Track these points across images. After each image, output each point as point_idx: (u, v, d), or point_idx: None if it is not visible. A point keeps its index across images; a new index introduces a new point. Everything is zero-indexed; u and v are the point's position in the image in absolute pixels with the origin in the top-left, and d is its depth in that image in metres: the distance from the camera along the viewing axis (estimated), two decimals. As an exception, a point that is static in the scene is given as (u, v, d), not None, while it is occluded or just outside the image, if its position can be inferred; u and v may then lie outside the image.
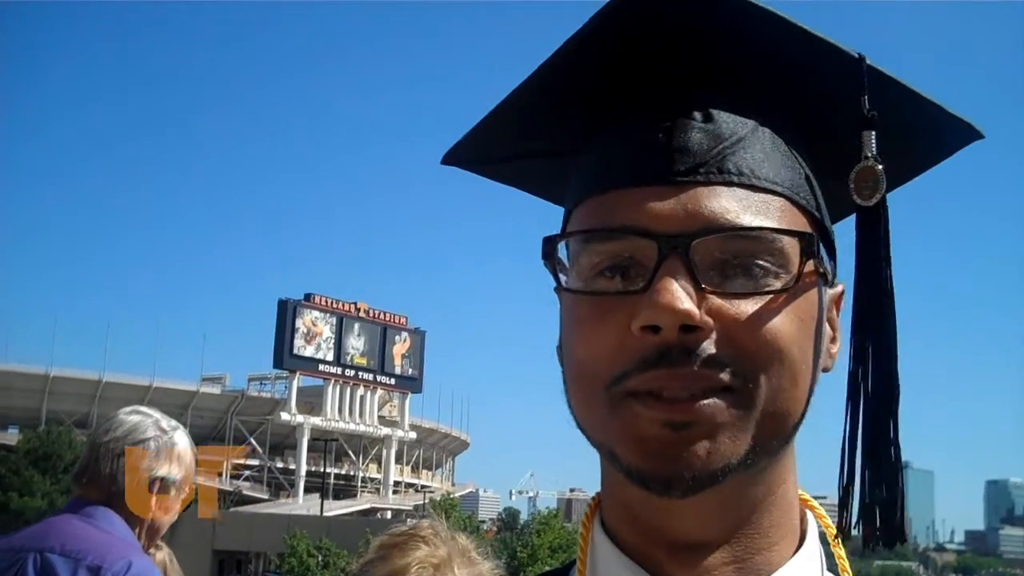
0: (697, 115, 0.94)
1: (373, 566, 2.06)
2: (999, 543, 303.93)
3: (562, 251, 0.97)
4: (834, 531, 1.01)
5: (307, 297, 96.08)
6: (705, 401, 0.87)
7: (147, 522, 3.19)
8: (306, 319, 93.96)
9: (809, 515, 1.02)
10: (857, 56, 0.95)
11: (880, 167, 0.93)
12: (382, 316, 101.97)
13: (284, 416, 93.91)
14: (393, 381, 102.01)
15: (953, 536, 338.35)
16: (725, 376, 0.87)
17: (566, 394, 0.97)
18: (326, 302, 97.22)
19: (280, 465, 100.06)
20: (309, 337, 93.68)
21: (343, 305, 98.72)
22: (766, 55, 0.96)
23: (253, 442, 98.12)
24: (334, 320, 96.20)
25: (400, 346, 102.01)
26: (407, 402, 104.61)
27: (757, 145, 0.94)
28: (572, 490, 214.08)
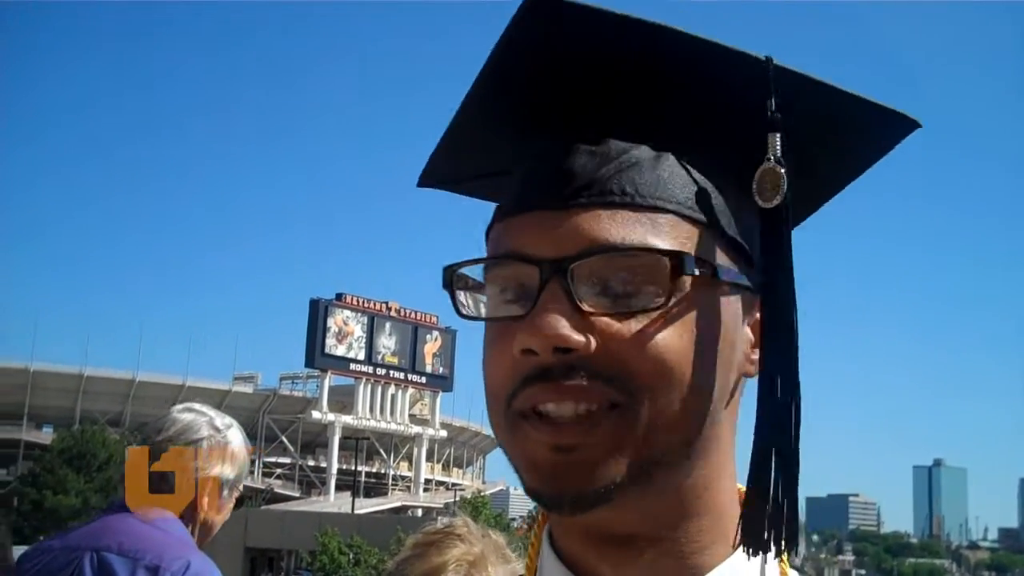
0: (587, 141, 0.95)
1: (410, 564, 2.08)
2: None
3: (481, 277, 0.99)
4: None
5: (338, 297, 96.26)
6: (590, 422, 0.89)
7: (199, 522, 3.16)
8: (337, 318, 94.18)
9: None
10: (764, 59, 0.94)
11: (782, 169, 0.92)
12: (413, 315, 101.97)
13: (316, 415, 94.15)
14: (424, 380, 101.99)
15: (987, 534, 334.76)
16: (609, 393, 0.89)
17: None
18: (357, 301, 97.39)
19: (311, 463, 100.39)
20: (340, 336, 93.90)
21: (374, 304, 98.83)
22: (665, 73, 0.96)
23: (285, 440, 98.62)
24: (365, 319, 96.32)
25: (431, 345, 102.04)
26: (438, 400, 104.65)
27: (648, 165, 0.94)
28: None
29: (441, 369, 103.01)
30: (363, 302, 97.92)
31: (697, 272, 0.92)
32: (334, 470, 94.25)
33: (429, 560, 2.02)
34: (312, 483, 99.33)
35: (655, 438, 0.90)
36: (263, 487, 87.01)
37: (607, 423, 0.89)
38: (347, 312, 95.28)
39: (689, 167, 0.96)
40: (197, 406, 3.30)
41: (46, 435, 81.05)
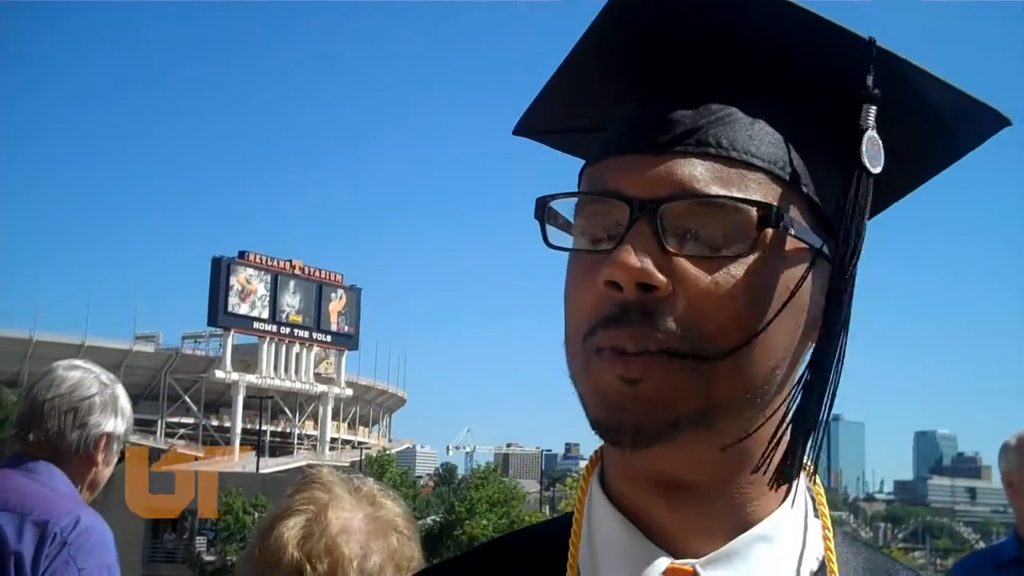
0: (691, 94, 0.99)
1: (268, 512, 2.10)
2: (927, 493, 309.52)
3: (569, 214, 1.02)
4: (821, 489, 1.08)
5: (241, 255, 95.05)
6: (657, 359, 0.92)
7: (88, 478, 3.18)
8: (240, 277, 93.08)
9: None
10: (868, 39, 0.96)
11: (877, 138, 0.96)
12: (317, 273, 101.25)
13: (219, 374, 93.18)
14: (329, 338, 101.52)
15: (883, 486, 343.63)
16: (679, 336, 0.92)
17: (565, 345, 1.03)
18: (261, 259, 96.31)
19: (215, 423, 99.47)
20: (244, 295, 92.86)
21: (278, 263, 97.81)
22: (770, 39, 0.99)
23: (188, 400, 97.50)
24: (269, 278, 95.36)
25: (336, 303, 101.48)
26: (343, 359, 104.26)
27: (745, 122, 0.97)
28: (509, 445, 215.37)
29: (346, 327, 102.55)
30: (266, 260, 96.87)
31: (781, 228, 0.94)
32: (238, 429, 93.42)
33: (281, 503, 2.04)
34: (216, 443, 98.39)
35: (719, 385, 0.93)
36: (166, 447, 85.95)
37: (675, 363, 0.92)
38: (250, 270, 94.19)
39: (782, 131, 0.99)
40: (80, 363, 3.31)
41: (-61, 397, 79.07)
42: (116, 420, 3.21)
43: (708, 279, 0.92)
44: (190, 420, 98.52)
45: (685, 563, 0.99)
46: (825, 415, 0.95)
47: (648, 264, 0.91)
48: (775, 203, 0.95)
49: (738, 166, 0.95)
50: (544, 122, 1.17)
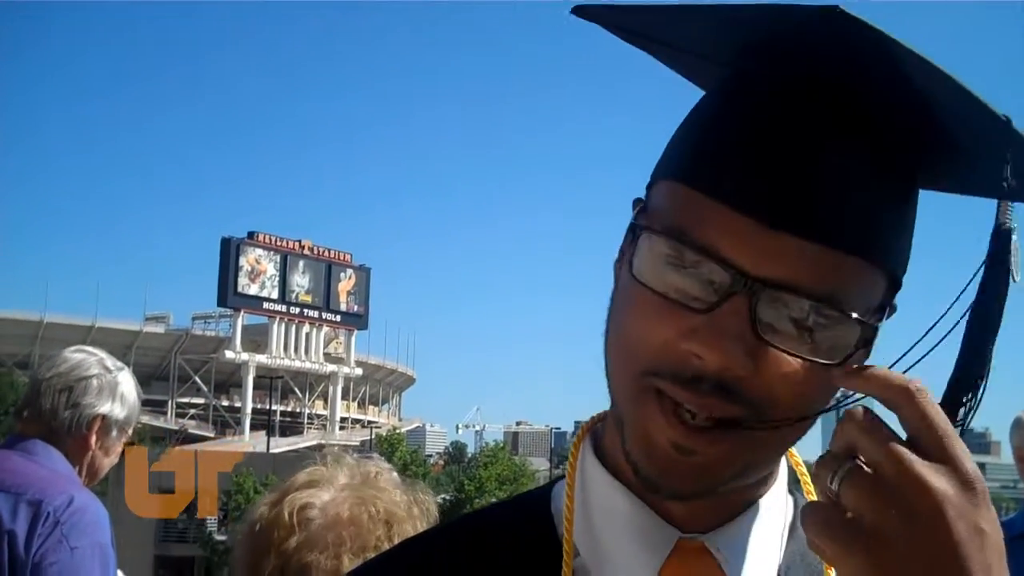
0: (827, 164, 0.90)
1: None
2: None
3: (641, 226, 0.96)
4: (801, 466, 1.10)
5: (251, 235, 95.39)
6: (716, 435, 0.91)
7: (87, 461, 3.18)
8: (250, 257, 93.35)
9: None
10: (1004, 119, 0.90)
11: (1016, 241, 0.90)
12: (327, 253, 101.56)
13: (229, 354, 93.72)
14: (338, 318, 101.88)
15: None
16: (742, 413, 0.91)
17: (605, 342, 1.01)
18: (270, 240, 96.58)
19: (225, 403, 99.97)
20: (253, 275, 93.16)
21: (287, 243, 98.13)
22: (916, 109, 0.92)
23: (198, 381, 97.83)
24: (278, 258, 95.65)
25: (345, 283, 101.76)
26: (353, 339, 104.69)
27: (869, 211, 0.92)
28: (518, 423, 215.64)
29: (356, 307, 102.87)
30: (276, 240, 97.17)
31: (870, 346, 0.94)
32: (248, 409, 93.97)
33: (284, 483, 2.07)
34: (227, 423, 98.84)
35: (765, 456, 0.98)
36: (177, 427, 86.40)
37: (731, 437, 0.92)
38: (260, 250, 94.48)
39: (905, 217, 0.96)
40: (88, 348, 3.34)
41: (-49, 379, 79.40)
42: (113, 404, 3.21)
43: (791, 374, 0.91)
44: (200, 400, 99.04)
45: (693, 538, 1.01)
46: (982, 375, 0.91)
47: (739, 354, 0.88)
48: (878, 322, 0.94)
49: (854, 256, 0.91)
50: (632, 22, 1.06)
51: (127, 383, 3.29)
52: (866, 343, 0.92)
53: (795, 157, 0.90)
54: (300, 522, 1.92)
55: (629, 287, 0.96)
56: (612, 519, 1.03)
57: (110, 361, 3.28)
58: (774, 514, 1.06)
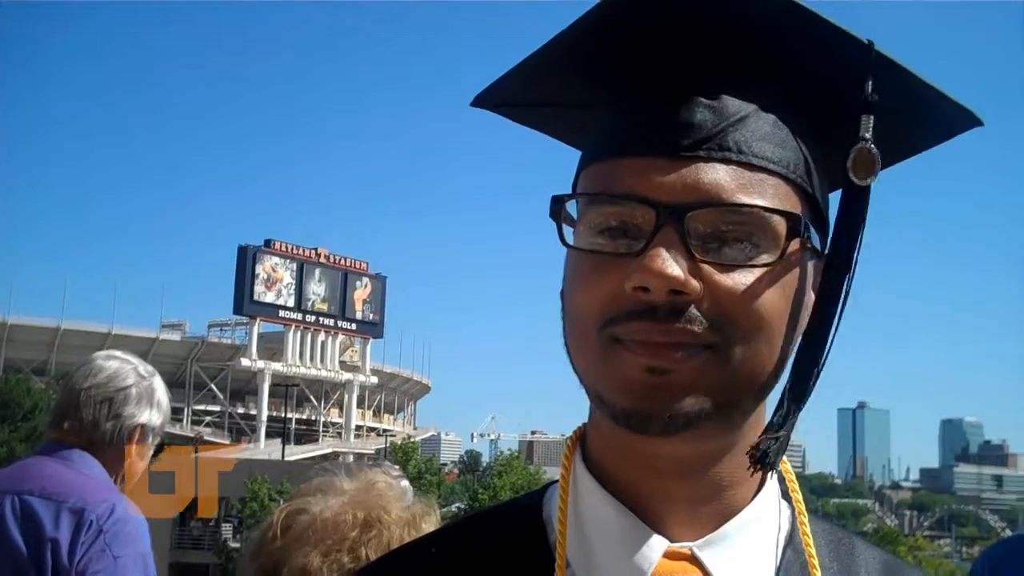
0: (704, 94, 0.99)
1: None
2: (953, 480, 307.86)
3: (572, 207, 1.03)
4: (791, 473, 1.13)
5: (267, 243, 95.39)
6: (685, 352, 0.95)
7: (123, 469, 3.17)
8: (266, 265, 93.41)
9: None
10: (866, 42, 0.99)
11: (875, 150, 0.98)
12: (343, 262, 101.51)
13: (245, 362, 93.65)
14: (354, 326, 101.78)
15: (908, 474, 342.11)
16: (706, 335, 0.95)
17: (564, 339, 1.05)
18: (286, 248, 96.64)
19: (241, 411, 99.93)
20: (269, 283, 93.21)
21: (303, 251, 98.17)
22: (776, 39, 1.01)
23: (214, 388, 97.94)
24: (294, 266, 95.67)
25: (361, 291, 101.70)
26: (368, 347, 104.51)
27: (758, 125, 1.00)
28: (533, 432, 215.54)
29: (371, 315, 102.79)
30: (292, 248, 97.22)
31: (804, 237, 0.99)
32: (264, 417, 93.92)
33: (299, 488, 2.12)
34: (242, 430, 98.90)
35: (739, 381, 0.98)
36: (192, 435, 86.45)
37: (700, 358, 0.95)
38: (276, 258, 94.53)
39: (791, 133, 1.02)
40: (119, 353, 3.30)
41: (-31, 384, 79.65)
42: (151, 412, 3.21)
43: (738, 287, 0.95)
44: (216, 408, 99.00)
45: (682, 546, 1.03)
46: (794, 417, 0.99)
47: (681, 272, 0.93)
48: (798, 212, 0.99)
49: (758, 171, 0.98)
50: (520, 93, 1.14)
51: (160, 388, 3.29)
52: (795, 233, 0.97)
53: (672, 95, 1.00)
54: (287, 525, 2.00)
55: (574, 261, 1.02)
56: (602, 528, 1.05)
57: (142, 367, 3.28)
58: (764, 523, 1.07)
